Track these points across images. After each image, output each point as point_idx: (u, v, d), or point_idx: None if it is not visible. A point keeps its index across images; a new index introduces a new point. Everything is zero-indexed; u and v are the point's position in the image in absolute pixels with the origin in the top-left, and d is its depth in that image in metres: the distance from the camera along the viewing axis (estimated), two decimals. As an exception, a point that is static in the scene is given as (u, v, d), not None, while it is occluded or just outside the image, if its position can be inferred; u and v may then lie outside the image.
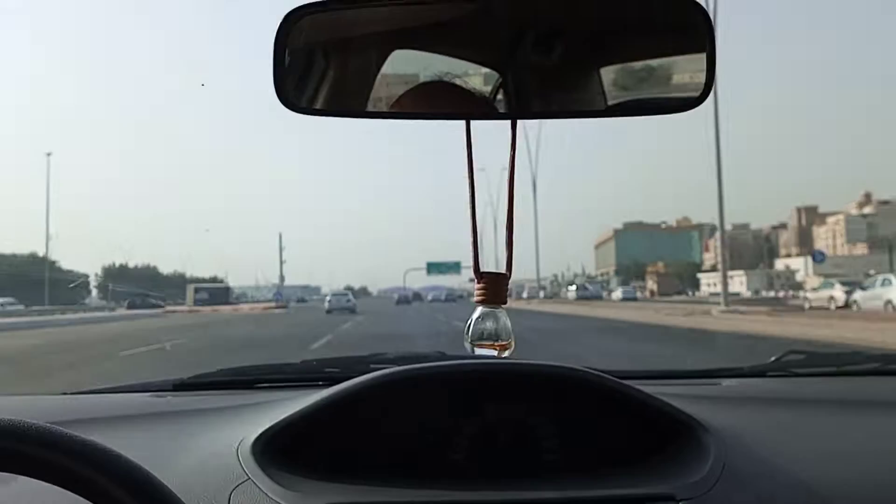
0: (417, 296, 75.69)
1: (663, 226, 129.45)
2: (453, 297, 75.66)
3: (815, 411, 1.18)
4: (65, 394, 1.38)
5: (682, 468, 0.88)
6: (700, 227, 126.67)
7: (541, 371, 0.99)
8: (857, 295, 22.24)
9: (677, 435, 0.92)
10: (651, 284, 66.12)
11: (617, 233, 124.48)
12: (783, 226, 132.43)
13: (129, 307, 39.66)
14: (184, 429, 1.04)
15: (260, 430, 0.90)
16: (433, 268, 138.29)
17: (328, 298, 34.32)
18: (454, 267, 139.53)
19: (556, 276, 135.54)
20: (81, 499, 0.49)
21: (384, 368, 1.01)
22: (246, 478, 0.85)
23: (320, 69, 0.69)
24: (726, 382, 1.37)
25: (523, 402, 0.97)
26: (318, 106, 0.69)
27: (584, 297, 59.02)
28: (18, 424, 0.48)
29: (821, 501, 0.83)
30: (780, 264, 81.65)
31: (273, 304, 42.69)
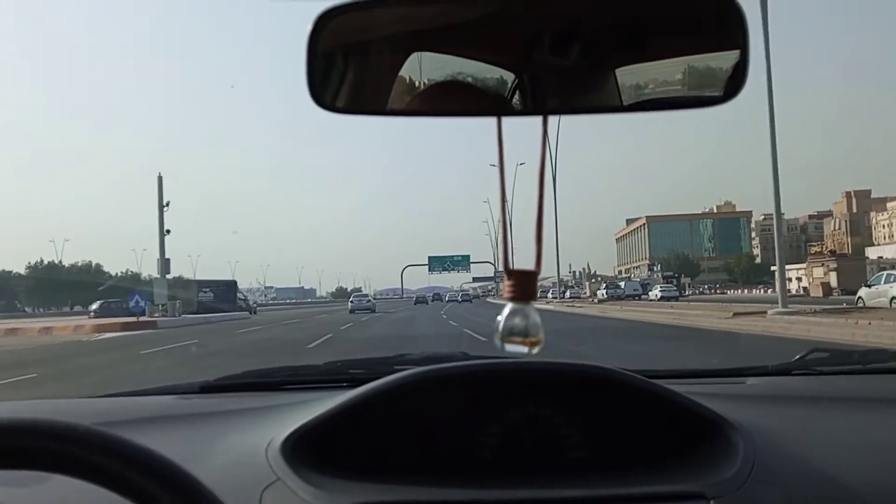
0: (438, 297, 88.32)
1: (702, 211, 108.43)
2: (469, 298, 79.50)
3: (842, 409, 1.21)
4: (91, 397, 1.47)
5: (712, 466, 0.90)
6: (747, 213, 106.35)
7: (567, 370, 1.03)
8: (862, 292, 23.67)
9: (706, 433, 0.96)
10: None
11: (650, 221, 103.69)
12: (824, 214, 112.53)
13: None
14: (212, 430, 1.09)
15: (288, 431, 0.94)
16: (436, 263, 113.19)
17: (351, 300, 42.76)
18: (462, 262, 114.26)
19: (572, 273, 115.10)
20: (112, 498, 0.52)
21: (408, 369, 1.05)
22: (276, 477, 0.88)
23: (352, 68, 0.71)
24: (751, 381, 1.44)
25: (550, 402, 1.01)
26: (349, 105, 0.72)
27: (615, 296, 56.58)
28: (65, 426, 0.51)
29: (851, 499, 0.86)
30: (871, 253, 73.81)
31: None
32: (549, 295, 64.78)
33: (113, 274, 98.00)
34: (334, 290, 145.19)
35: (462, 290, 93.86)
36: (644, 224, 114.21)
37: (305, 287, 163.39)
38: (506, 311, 0.70)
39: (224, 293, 41.96)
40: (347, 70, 0.71)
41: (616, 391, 1.00)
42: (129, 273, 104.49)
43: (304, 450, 0.93)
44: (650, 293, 56.34)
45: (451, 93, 0.72)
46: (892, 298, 21.20)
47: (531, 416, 1.00)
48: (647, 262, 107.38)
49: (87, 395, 1.50)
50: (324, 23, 0.68)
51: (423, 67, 0.71)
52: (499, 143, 0.72)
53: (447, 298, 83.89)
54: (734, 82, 0.71)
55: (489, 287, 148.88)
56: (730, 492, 0.85)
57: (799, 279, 64.09)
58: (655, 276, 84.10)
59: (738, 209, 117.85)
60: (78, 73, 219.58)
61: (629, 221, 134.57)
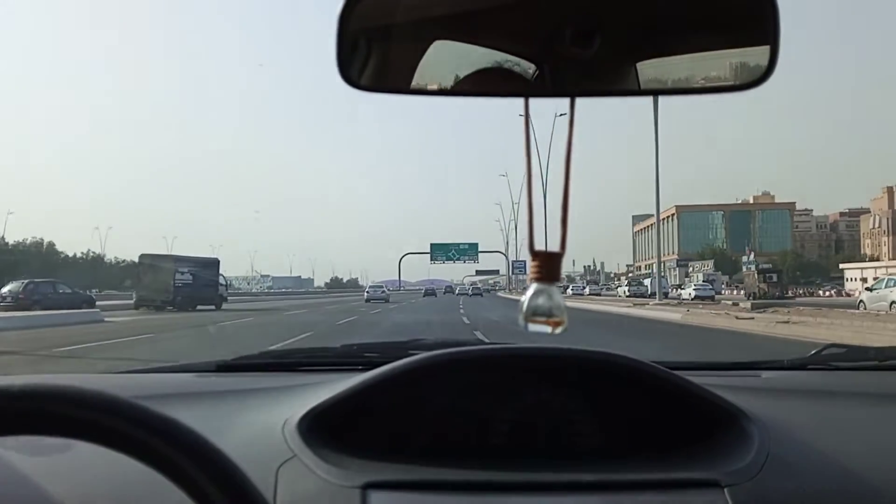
0: (450, 289, 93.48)
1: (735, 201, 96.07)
2: (479, 292, 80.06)
3: (857, 404, 1.26)
4: (108, 373, 1.55)
5: (727, 456, 0.94)
6: (790, 205, 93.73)
7: (581, 357, 1.06)
8: (864, 296, 24.60)
9: (721, 423, 1.00)
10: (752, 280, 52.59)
11: (680, 211, 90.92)
12: (857, 212, 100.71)
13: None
14: (229, 407, 1.14)
15: (305, 410, 0.99)
16: (439, 252, 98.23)
17: (367, 290, 46.19)
18: (469, 251, 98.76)
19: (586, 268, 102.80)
20: (132, 467, 0.55)
21: (422, 353, 1.08)
22: (292, 454, 0.91)
23: (381, 47, 0.73)
24: (766, 374, 1.50)
25: (564, 388, 1.04)
26: (379, 84, 0.74)
27: (638, 293, 53.34)
28: (94, 394, 0.54)
29: (865, 492, 0.89)
30: None
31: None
32: (570, 291, 62.84)
33: (70, 255, 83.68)
34: (329, 280, 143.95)
35: (472, 284, 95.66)
36: (673, 214, 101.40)
37: (303, 277, 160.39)
38: (530, 291, 0.71)
39: (203, 275, 32.92)
40: (376, 49, 0.73)
41: (630, 379, 1.03)
42: (91, 255, 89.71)
43: (320, 429, 0.97)
44: (682, 292, 53.28)
45: (478, 73, 0.74)
46: (892, 303, 22.16)
47: (545, 402, 1.03)
48: (676, 256, 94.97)
49: (105, 372, 1.57)
50: (354, 2, 0.70)
51: (452, 48, 0.74)
52: (525, 123, 0.75)
53: (457, 291, 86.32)
54: (763, 68, 0.73)
55: (492, 281, 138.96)
56: (744, 481, 0.87)
57: (864, 279, 58.53)
58: (705, 272, 71.78)
59: (777, 200, 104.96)
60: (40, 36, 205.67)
61: (636, 218, 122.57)
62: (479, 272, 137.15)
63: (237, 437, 0.95)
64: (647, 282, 63.68)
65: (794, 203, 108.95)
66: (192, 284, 31.01)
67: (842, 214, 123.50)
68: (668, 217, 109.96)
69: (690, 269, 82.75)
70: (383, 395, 1.02)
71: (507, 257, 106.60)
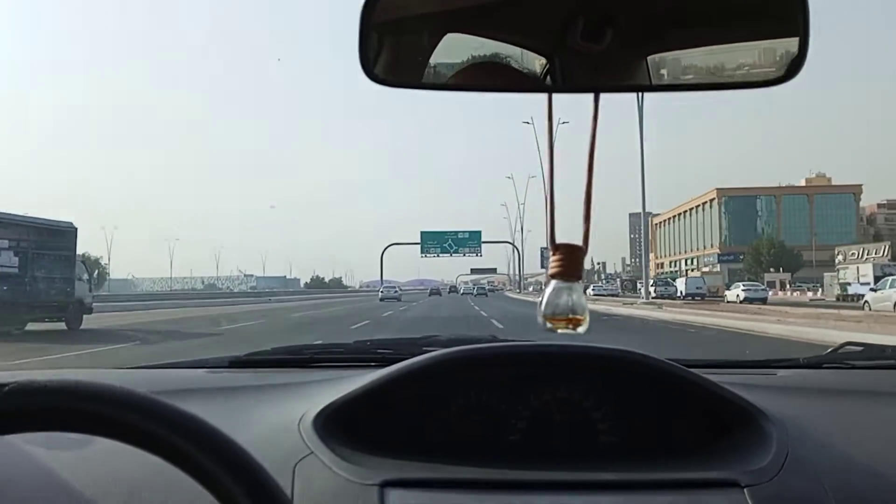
0: (454, 289, 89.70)
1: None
2: (484, 291, 75.73)
3: (874, 402, 1.30)
4: (121, 368, 1.60)
5: (745, 455, 0.97)
6: (856, 188, 75.28)
7: (598, 354, 1.10)
8: (869, 296, 25.38)
9: (739, 422, 1.05)
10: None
11: (723, 195, 71.73)
12: None
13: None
14: (243, 403, 1.19)
15: (320, 406, 1.03)
16: (432, 242, 78.42)
17: (381, 290, 50.95)
18: (469, 241, 78.30)
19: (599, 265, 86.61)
20: (151, 461, 0.56)
21: (436, 350, 1.13)
22: (309, 451, 0.95)
23: (403, 42, 0.76)
24: (782, 373, 1.55)
25: (580, 385, 1.09)
26: (402, 79, 0.76)
27: (665, 295, 47.44)
28: (117, 391, 0.56)
29: (885, 491, 0.93)
30: None
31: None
32: (591, 291, 57.37)
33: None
34: (310, 279, 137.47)
35: (476, 283, 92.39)
36: (713, 199, 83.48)
37: (289, 277, 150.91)
38: (550, 288, 0.70)
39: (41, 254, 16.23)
40: (398, 44, 0.75)
41: (647, 377, 1.07)
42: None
43: (336, 426, 1.00)
44: (728, 292, 47.80)
45: (501, 69, 0.75)
46: (897, 303, 22.09)
47: (561, 399, 1.06)
48: (717, 250, 77.08)
49: (118, 367, 1.64)
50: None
51: (473, 44, 0.74)
52: (548, 119, 0.75)
53: (462, 291, 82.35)
54: (793, 63, 0.72)
55: (485, 280, 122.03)
56: (763, 480, 0.90)
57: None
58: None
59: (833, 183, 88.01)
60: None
61: (633, 216, 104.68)
62: (474, 270, 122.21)
63: (252, 434, 0.97)
64: (679, 282, 56.50)
65: (861, 186, 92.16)
66: (16, 275, 15.77)
67: (879, 206, 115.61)
68: (702, 205, 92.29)
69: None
70: (399, 392, 1.05)
71: (513, 246, 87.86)
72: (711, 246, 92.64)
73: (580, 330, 0.70)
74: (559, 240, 0.70)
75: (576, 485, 0.92)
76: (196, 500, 0.60)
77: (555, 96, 0.73)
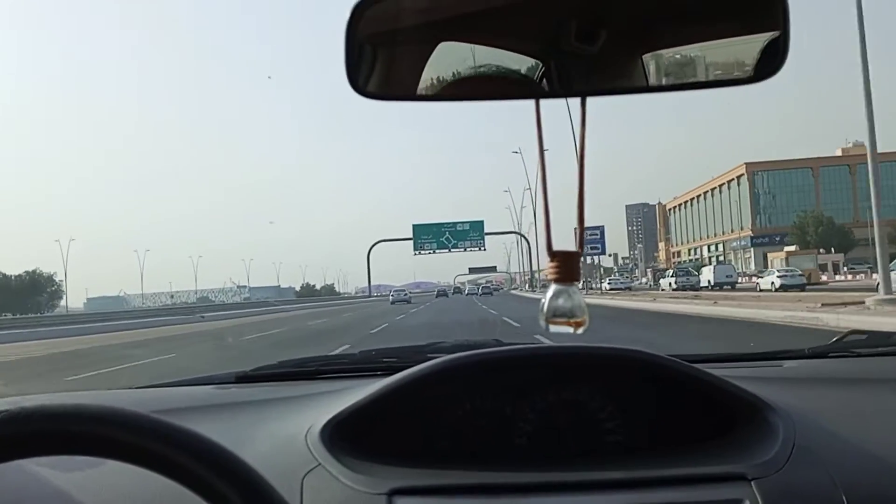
0: (458, 290, 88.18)
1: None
2: (490, 291, 75.30)
3: (881, 390, 1.32)
4: (129, 388, 1.62)
5: (752, 448, 1.00)
6: None
7: (601, 354, 1.14)
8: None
9: (744, 415, 1.08)
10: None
11: (752, 169, 60.69)
12: None
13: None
14: (250, 418, 1.22)
15: (327, 418, 1.07)
16: (426, 237, 66.17)
17: (392, 294, 55.16)
18: (471, 232, 64.25)
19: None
20: (159, 482, 0.58)
21: (441, 357, 1.17)
22: (317, 463, 0.98)
23: (389, 55, 0.77)
24: (788, 364, 1.55)
25: (584, 386, 1.13)
26: (389, 91, 0.77)
27: (687, 286, 45.41)
28: (122, 413, 0.56)
29: (893, 478, 0.94)
30: None
31: None
32: (607, 285, 55.57)
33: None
34: (299, 287, 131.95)
35: (481, 283, 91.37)
36: (741, 176, 73.69)
37: (283, 286, 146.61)
38: (550, 291, 0.74)
39: None
40: (383, 57, 0.76)
41: (652, 375, 1.10)
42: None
43: (343, 437, 1.04)
44: (761, 280, 43.32)
45: (487, 77, 0.76)
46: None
47: (566, 400, 1.09)
48: (750, 232, 67.01)
49: (125, 387, 1.65)
50: (361, 11, 0.72)
51: (458, 53, 0.75)
52: (537, 126, 0.77)
53: (467, 291, 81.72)
54: (774, 61, 0.73)
55: (482, 280, 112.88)
56: (771, 473, 0.92)
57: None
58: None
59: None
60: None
61: (630, 207, 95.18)
62: (472, 269, 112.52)
63: (260, 448, 1.01)
64: (706, 270, 50.73)
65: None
66: None
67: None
68: (727, 183, 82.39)
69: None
70: (405, 400, 1.08)
71: (519, 235, 77.32)
72: (741, 228, 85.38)
73: (580, 331, 0.73)
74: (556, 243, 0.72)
75: (583, 485, 0.94)
76: None
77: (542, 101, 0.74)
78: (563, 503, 0.92)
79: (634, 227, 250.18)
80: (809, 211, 72.80)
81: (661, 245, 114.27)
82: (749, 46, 0.73)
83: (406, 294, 54.17)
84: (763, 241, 78.89)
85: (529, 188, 64.31)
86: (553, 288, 0.72)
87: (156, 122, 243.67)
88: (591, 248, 43.53)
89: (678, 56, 0.74)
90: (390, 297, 52.31)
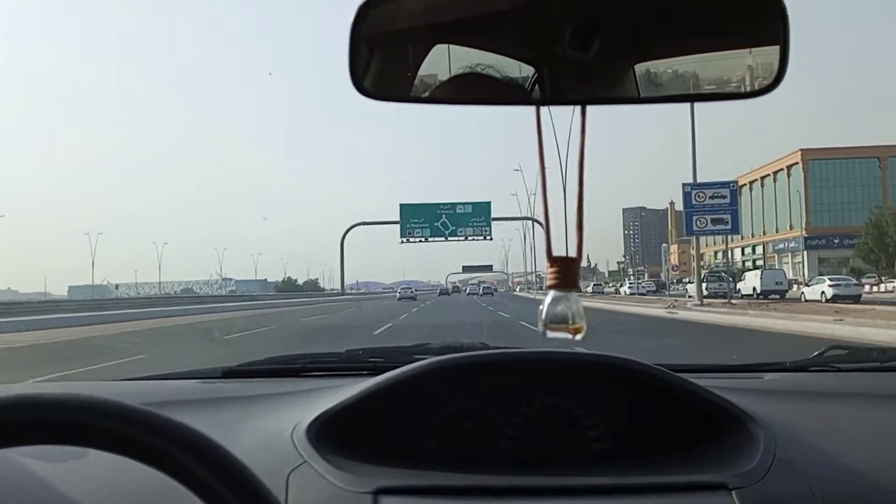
0: (457, 289, 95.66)
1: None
2: (490, 291, 76.48)
3: (860, 405, 1.37)
4: (115, 380, 1.67)
5: (733, 458, 1.05)
6: None
7: (587, 361, 1.19)
8: None
9: (726, 426, 1.13)
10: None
11: (808, 157, 46.10)
12: None
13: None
14: (236, 413, 1.26)
15: (313, 416, 1.11)
16: (417, 219, 46.80)
17: (399, 290, 64.12)
18: (475, 216, 60.47)
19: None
20: (146, 473, 0.59)
21: (428, 358, 1.22)
22: (302, 460, 1.02)
23: (392, 57, 0.78)
24: (769, 377, 1.60)
25: (571, 391, 1.18)
26: (391, 93, 0.78)
27: (772, 291, 38.16)
28: (109, 404, 0.58)
29: (871, 494, 0.99)
30: None
31: None
32: (626, 290, 55.33)
33: None
34: (280, 281, 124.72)
35: (483, 282, 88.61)
36: (796, 164, 61.57)
37: (269, 280, 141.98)
38: (548, 298, 0.75)
39: None
40: (387, 59, 0.77)
41: (636, 383, 1.15)
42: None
43: (329, 435, 1.08)
44: (807, 289, 38.38)
45: (489, 82, 0.77)
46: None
47: (552, 406, 1.14)
48: (803, 233, 55.10)
49: (110, 379, 1.71)
50: (366, 11, 0.74)
51: (461, 56, 0.76)
52: (538, 133, 0.77)
53: (467, 291, 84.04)
54: (774, 75, 0.74)
55: (474, 280, 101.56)
56: (751, 483, 0.96)
57: None
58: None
59: None
60: None
61: (626, 211, 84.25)
62: (466, 268, 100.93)
63: (245, 444, 1.04)
64: (749, 276, 42.89)
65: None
66: None
67: None
68: (773, 174, 70.33)
69: None
70: (391, 400, 1.13)
71: (540, 224, 63.36)
72: (790, 228, 74.94)
73: (579, 337, 0.75)
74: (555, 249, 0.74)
75: (566, 490, 0.98)
76: None
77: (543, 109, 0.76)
78: None
79: (630, 231, 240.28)
80: (887, 207, 60.01)
81: (674, 248, 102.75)
82: (749, 60, 0.73)
83: (412, 291, 62.32)
84: (819, 242, 69.29)
85: (531, 192, 54.93)
86: (552, 294, 0.73)
87: (125, 106, 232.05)
88: (715, 222, 28.51)
89: (679, 68, 0.74)
90: (397, 294, 59.52)
